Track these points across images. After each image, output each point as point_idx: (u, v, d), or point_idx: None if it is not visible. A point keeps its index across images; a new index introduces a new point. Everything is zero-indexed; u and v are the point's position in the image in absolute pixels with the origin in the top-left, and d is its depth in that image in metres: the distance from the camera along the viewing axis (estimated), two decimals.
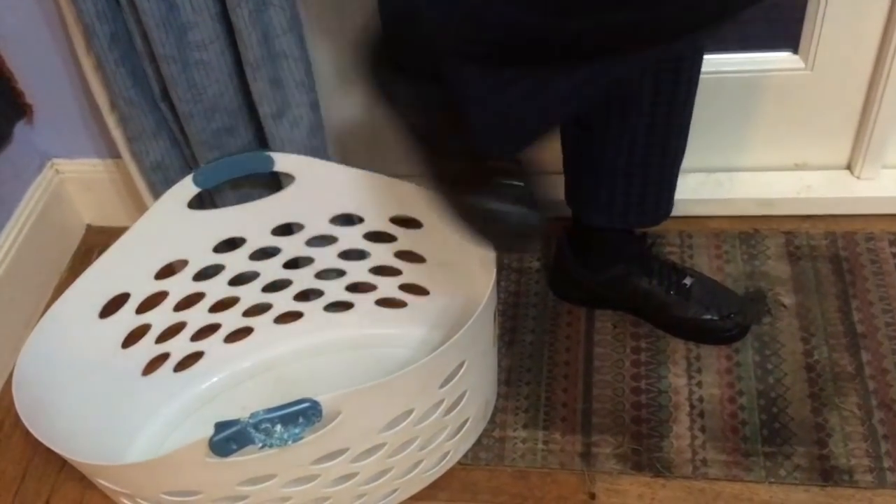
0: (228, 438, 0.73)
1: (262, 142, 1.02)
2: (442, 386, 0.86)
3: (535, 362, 1.11)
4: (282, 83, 0.95)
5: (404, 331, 1.14)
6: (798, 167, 1.23)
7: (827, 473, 0.95)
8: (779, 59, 1.13)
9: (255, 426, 0.73)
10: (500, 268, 1.23)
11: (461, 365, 0.88)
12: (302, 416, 0.74)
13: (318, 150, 1.02)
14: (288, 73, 0.94)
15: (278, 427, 0.73)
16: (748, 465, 0.97)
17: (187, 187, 0.99)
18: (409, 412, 0.84)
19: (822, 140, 1.19)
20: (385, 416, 0.82)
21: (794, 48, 1.12)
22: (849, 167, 1.21)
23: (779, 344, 1.07)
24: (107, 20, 0.92)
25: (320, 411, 0.75)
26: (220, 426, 0.73)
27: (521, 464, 1.01)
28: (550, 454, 1.01)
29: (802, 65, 1.12)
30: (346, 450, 0.83)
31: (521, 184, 0.79)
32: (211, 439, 0.73)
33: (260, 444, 0.74)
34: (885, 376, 1.03)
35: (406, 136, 0.82)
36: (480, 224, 0.80)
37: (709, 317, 1.07)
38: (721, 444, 0.99)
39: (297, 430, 0.74)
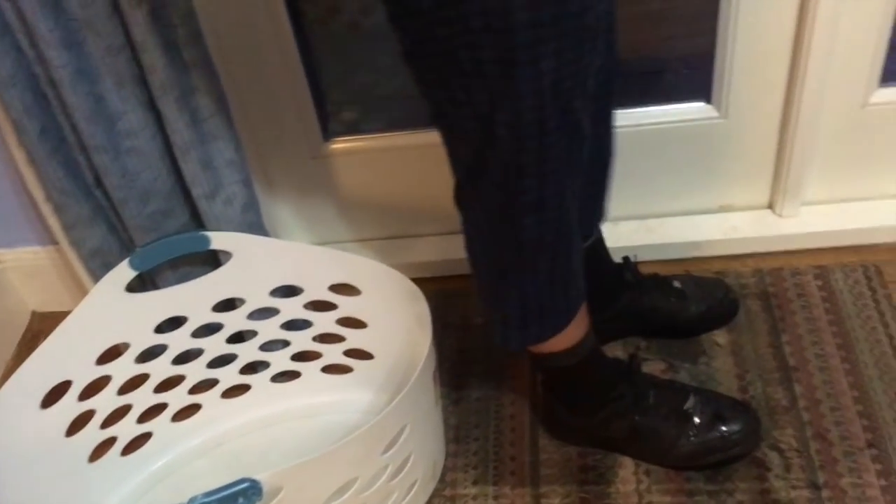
0: None
1: (199, 221, 1.04)
2: (385, 452, 0.88)
3: (483, 418, 1.13)
4: (212, 164, 0.97)
5: (352, 396, 1.16)
6: (723, 209, 1.28)
7: None
8: (694, 110, 1.19)
9: None
10: (444, 325, 1.25)
11: (403, 429, 0.89)
12: (241, 496, 0.74)
13: (253, 225, 1.04)
14: (217, 154, 0.96)
15: None
16: None
17: (124, 271, 1.00)
18: (354, 481, 0.85)
19: (744, 182, 1.25)
20: (328, 487, 0.83)
21: (708, 98, 1.18)
22: (770, 206, 1.27)
23: (715, 382, 1.11)
24: (35, 115, 0.94)
25: (260, 490, 0.75)
26: None
27: None
28: None
29: (716, 113, 1.18)
30: None
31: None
32: None
33: None
34: (818, 407, 1.06)
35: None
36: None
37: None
38: (665, 485, 1.01)
39: None
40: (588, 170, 0.91)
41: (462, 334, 1.23)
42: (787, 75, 1.12)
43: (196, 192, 0.99)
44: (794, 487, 0.99)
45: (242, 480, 0.75)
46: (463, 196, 0.84)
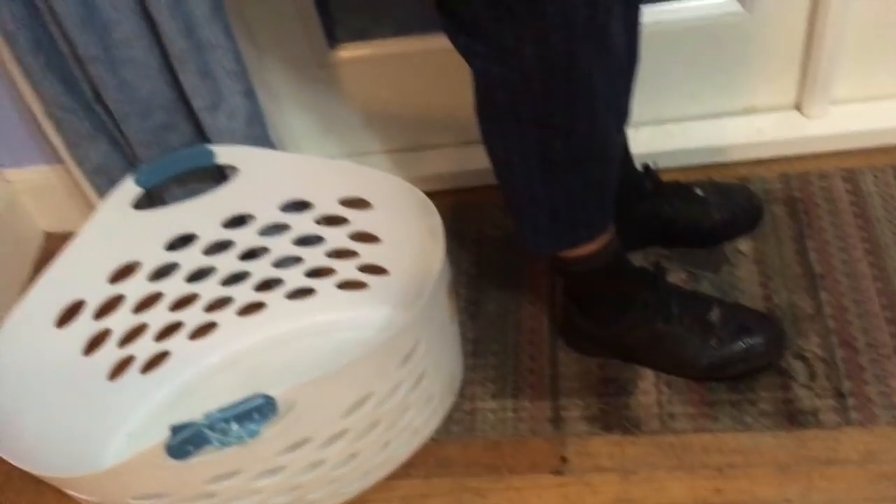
0: (184, 441, 0.73)
1: (203, 135, 1.01)
2: (400, 367, 0.86)
3: (501, 331, 1.11)
4: (212, 74, 0.93)
5: (369, 312, 1.14)
6: (747, 111, 1.22)
7: (792, 416, 0.96)
8: (717, 4, 1.12)
9: (211, 426, 0.73)
10: (460, 238, 1.22)
11: (417, 344, 0.88)
12: (257, 412, 0.74)
13: (258, 138, 1.01)
14: (216, 64, 0.92)
15: (234, 425, 0.73)
16: (714, 415, 0.98)
17: (129, 189, 0.98)
18: (369, 396, 0.85)
19: (769, 82, 1.19)
20: (343, 402, 0.82)
21: None
22: (797, 107, 1.21)
23: (738, 291, 1.08)
24: (27, 26, 0.90)
25: (275, 406, 0.75)
26: (176, 429, 0.73)
27: (493, 434, 1.01)
28: (521, 422, 1.02)
29: (740, 7, 1.11)
30: (310, 439, 0.84)
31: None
32: (167, 443, 0.73)
33: (217, 445, 0.74)
34: (844, 314, 1.03)
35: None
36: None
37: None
38: (687, 396, 1.00)
39: (253, 427, 0.74)
40: None
41: (478, 248, 1.21)
42: None
43: (197, 104, 0.95)
44: (818, 396, 0.97)
45: (257, 396, 0.74)
46: (485, 112, 0.81)
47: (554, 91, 0.74)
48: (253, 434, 0.75)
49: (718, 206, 1.11)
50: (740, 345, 0.98)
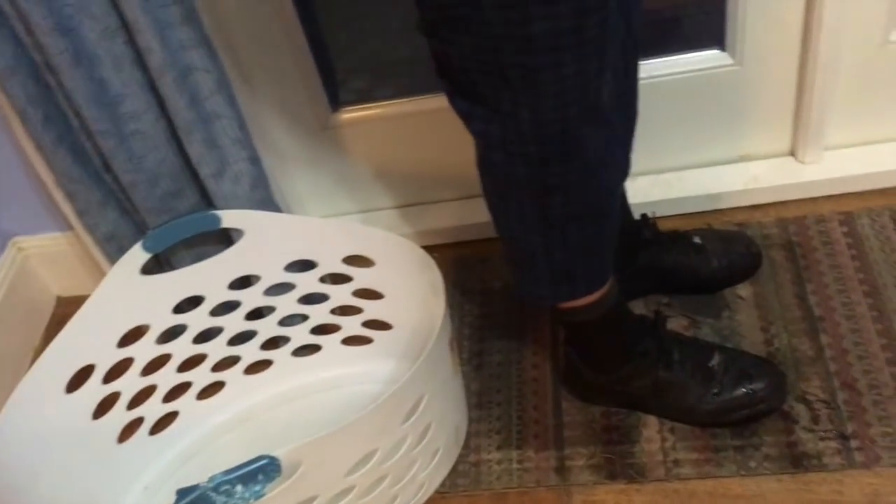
0: None
1: (210, 201, 1.04)
2: (404, 422, 0.88)
3: (505, 382, 1.12)
4: (217, 143, 0.96)
5: (374, 366, 1.16)
6: (743, 159, 1.24)
7: (796, 460, 0.96)
8: (708, 58, 1.15)
9: (216, 489, 0.74)
10: (464, 291, 1.24)
11: (421, 398, 0.89)
12: (261, 473, 0.75)
13: (263, 201, 1.04)
14: (222, 133, 0.96)
15: (239, 487, 0.75)
16: (719, 461, 0.98)
17: (138, 254, 1.00)
18: (374, 452, 0.86)
19: (763, 130, 1.21)
20: (348, 460, 0.83)
21: (722, 45, 1.14)
22: (792, 153, 1.23)
23: (739, 336, 1.09)
24: (38, 104, 0.94)
25: (279, 466, 0.76)
26: (181, 493, 0.74)
27: (498, 486, 1.02)
28: (526, 472, 1.02)
29: (731, 60, 1.14)
30: (315, 497, 0.85)
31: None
32: None
33: None
34: (845, 357, 1.04)
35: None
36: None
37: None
38: (691, 442, 1.01)
39: (257, 488, 0.75)
40: None
41: (482, 299, 1.23)
42: (802, 16, 1.09)
43: (203, 171, 0.98)
44: (822, 439, 0.97)
45: (261, 457, 0.76)
46: (485, 170, 0.84)
47: (550, 153, 0.77)
48: (258, 495, 0.76)
49: (717, 254, 1.12)
50: (742, 391, 0.98)
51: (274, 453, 0.76)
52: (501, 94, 0.73)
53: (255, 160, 1.01)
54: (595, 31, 0.69)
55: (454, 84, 0.77)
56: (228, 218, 1.02)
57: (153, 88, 0.94)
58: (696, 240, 1.13)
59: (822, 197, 1.21)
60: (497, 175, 0.83)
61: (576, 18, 0.67)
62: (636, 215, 1.12)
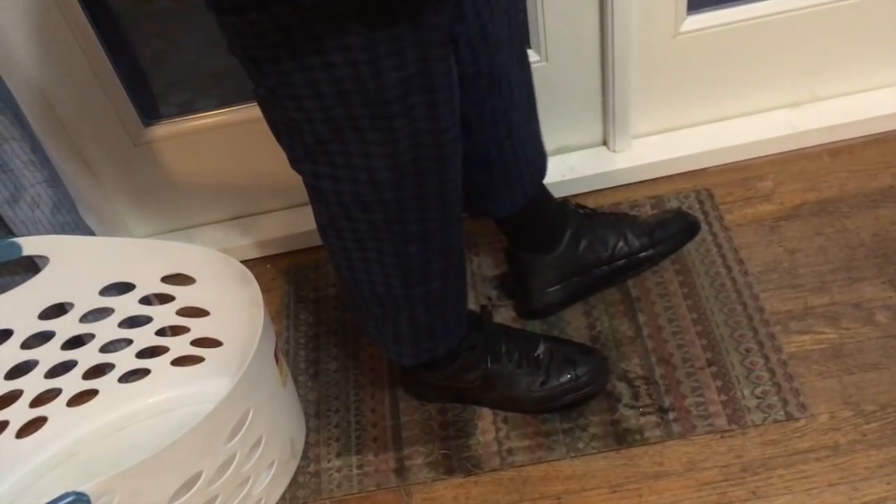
0: None
1: (7, 228, 0.98)
2: (229, 441, 0.86)
3: (342, 389, 1.12)
4: (7, 167, 0.91)
5: (208, 385, 1.13)
6: (560, 151, 1.29)
7: (620, 436, 1.01)
8: None
9: None
10: (298, 299, 1.23)
11: (247, 414, 0.87)
12: None
13: (68, 225, 0.99)
14: (11, 156, 0.91)
15: None
16: (550, 445, 1.02)
17: None
18: (198, 475, 0.83)
19: (576, 122, 1.26)
20: (169, 486, 0.81)
21: (528, 43, 1.18)
22: (605, 143, 1.29)
23: (564, 323, 1.13)
24: None
25: (88, 501, 0.73)
26: None
27: (339, 493, 1.02)
28: (366, 477, 1.03)
29: (538, 57, 1.18)
30: None
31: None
32: None
33: None
34: (660, 333, 1.10)
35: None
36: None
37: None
38: (523, 430, 1.04)
39: None
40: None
41: (316, 307, 1.22)
42: (598, 12, 1.14)
43: None
44: (643, 414, 1.02)
45: (67, 494, 0.72)
46: (337, 231, 0.83)
47: (406, 198, 0.78)
48: None
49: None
50: (567, 376, 1.02)
51: (81, 488, 0.72)
52: (352, 145, 0.74)
53: (53, 182, 0.96)
54: (443, 79, 0.71)
55: (297, 148, 0.76)
56: (30, 245, 0.97)
57: None
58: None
59: (635, 182, 1.28)
60: (356, 230, 0.83)
61: (423, 64, 0.69)
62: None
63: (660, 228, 1.12)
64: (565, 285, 1.10)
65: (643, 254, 1.11)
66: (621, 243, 1.10)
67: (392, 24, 0.66)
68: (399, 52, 0.68)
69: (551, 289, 1.10)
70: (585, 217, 1.11)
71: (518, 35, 0.91)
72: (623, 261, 1.11)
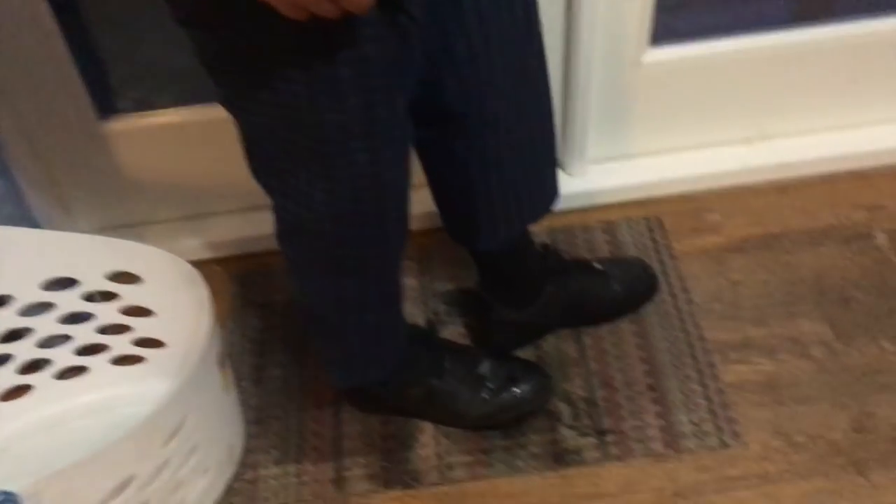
0: None
1: None
2: (165, 445, 0.85)
3: (285, 396, 1.11)
4: None
5: (148, 387, 1.11)
6: None
7: (559, 456, 1.02)
8: None
9: None
10: (245, 304, 1.22)
11: (185, 419, 0.86)
12: None
13: (14, 217, 0.97)
14: None
15: None
16: (489, 462, 1.02)
17: None
18: (130, 480, 0.82)
19: None
20: (99, 491, 0.79)
21: None
22: (561, 167, 1.30)
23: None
24: None
25: (18, 501, 0.71)
26: None
27: (275, 501, 1.01)
28: (304, 486, 1.02)
29: None
30: None
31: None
32: None
33: None
34: (604, 356, 1.11)
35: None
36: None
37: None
38: (464, 445, 1.04)
39: None
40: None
41: (263, 312, 1.21)
42: (562, 41, 1.15)
43: None
44: (582, 435, 1.04)
45: None
46: (285, 242, 0.85)
47: (344, 232, 0.79)
48: None
49: (617, 279, 1.13)
50: (510, 394, 1.03)
51: (9, 487, 0.71)
52: (300, 172, 0.74)
53: (2, 174, 0.94)
54: (388, 124, 0.72)
55: (254, 159, 0.77)
56: None
57: None
58: (597, 266, 1.13)
59: (589, 207, 1.29)
60: (294, 251, 0.85)
61: (365, 110, 0.69)
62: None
63: (630, 299, 1.14)
64: (525, 338, 1.12)
65: (604, 322, 1.14)
66: (592, 306, 1.12)
67: (332, 64, 0.65)
68: (339, 96, 0.67)
69: (510, 338, 1.12)
70: (563, 273, 1.10)
71: (534, 80, 0.88)
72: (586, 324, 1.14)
